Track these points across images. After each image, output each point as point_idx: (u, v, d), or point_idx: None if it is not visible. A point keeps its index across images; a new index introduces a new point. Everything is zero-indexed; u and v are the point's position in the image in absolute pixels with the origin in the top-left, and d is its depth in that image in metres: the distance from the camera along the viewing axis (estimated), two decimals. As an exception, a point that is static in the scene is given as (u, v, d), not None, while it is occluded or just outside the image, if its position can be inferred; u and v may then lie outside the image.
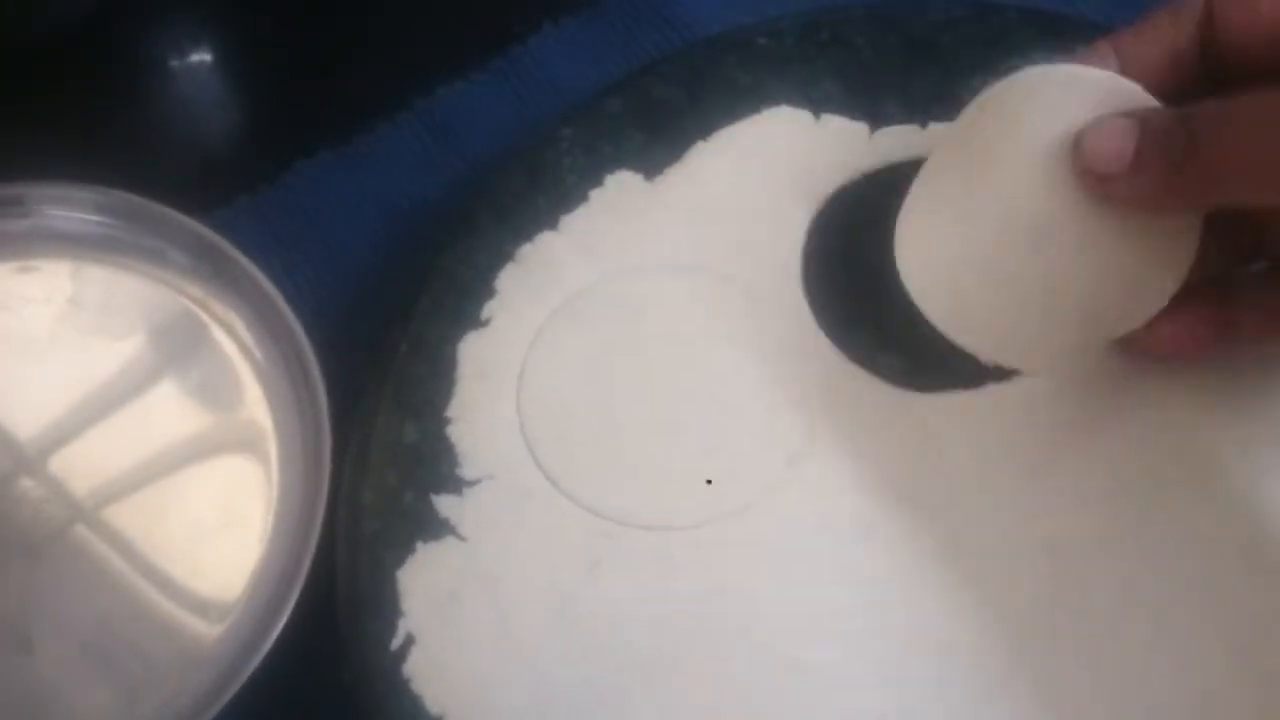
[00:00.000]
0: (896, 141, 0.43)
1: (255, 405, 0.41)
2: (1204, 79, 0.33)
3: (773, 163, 0.43)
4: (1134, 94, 0.32)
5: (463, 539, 0.37)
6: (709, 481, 0.37)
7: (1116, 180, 0.31)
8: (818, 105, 0.43)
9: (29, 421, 0.41)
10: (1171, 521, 0.36)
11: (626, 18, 0.49)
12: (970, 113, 0.35)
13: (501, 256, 0.41)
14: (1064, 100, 0.33)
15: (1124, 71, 0.33)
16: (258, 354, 0.42)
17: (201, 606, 0.38)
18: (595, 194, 0.42)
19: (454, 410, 0.39)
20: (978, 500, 0.37)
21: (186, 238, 0.42)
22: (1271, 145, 0.28)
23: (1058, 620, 0.35)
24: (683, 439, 0.38)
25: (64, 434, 0.41)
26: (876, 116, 0.43)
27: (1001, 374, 0.39)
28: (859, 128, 0.43)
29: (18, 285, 0.42)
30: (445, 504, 0.37)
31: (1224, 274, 0.35)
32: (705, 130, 0.43)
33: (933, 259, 0.36)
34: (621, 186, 0.42)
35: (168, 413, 0.41)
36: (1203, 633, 0.34)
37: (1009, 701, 0.34)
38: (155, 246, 0.42)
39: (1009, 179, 0.34)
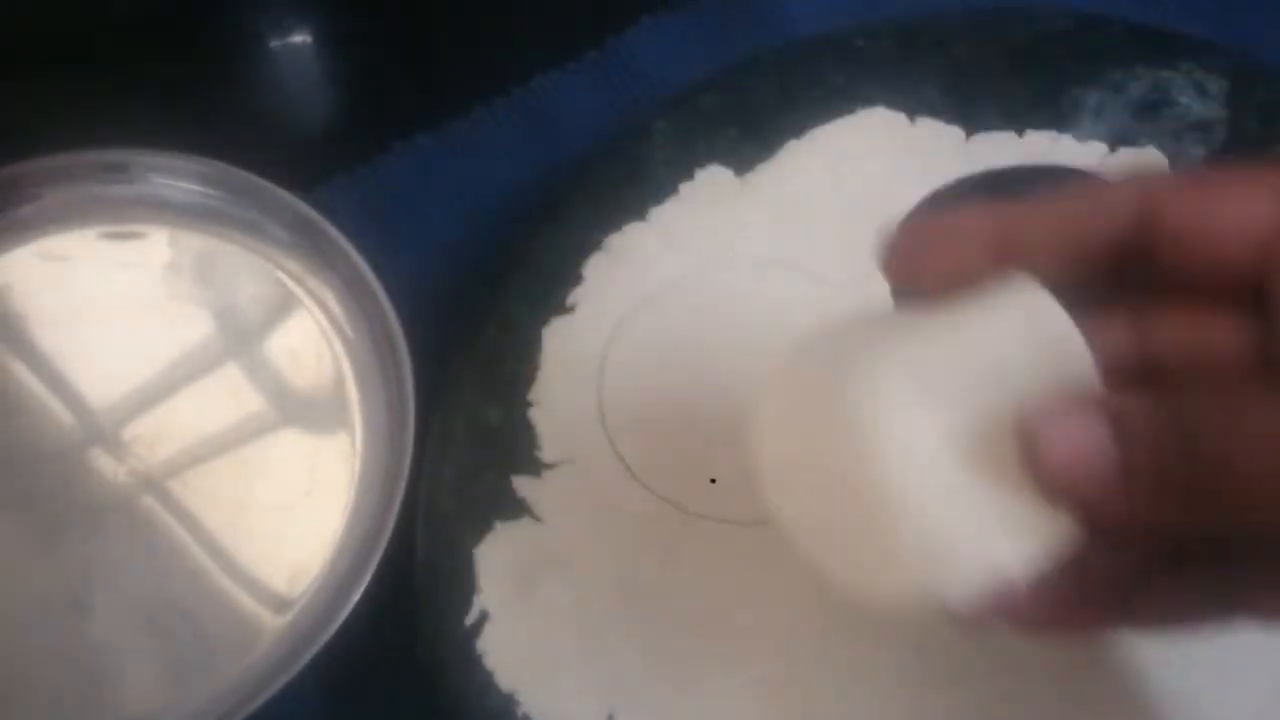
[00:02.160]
0: (993, 148, 0.43)
1: (342, 380, 0.42)
2: (1109, 278, 0.26)
3: (866, 164, 0.42)
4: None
5: (539, 520, 0.37)
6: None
7: (1087, 500, 0.23)
8: (913, 109, 0.43)
9: (119, 384, 0.42)
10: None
11: (724, 15, 0.49)
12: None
13: (590, 245, 0.41)
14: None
15: (1007, 253, 0.25)
16: (348, 330, 0.42)
17: (283, 574, 0.39)
18: (685, 187, 0.42)
19: (536, 394, 0.39)
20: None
21: (284, 212, 0.43)
22: None
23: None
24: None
25: (152, 399, 0.42)
26: (973, 122, 0.43)
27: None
28: (954, 132, 0.43)
29: (117, 249, 0.44)
30: (524, 485, 0.38)
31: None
32: (798, 129, 0.43)
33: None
34: (712, 181, 0.42)
35: (256, 383, 0.42)
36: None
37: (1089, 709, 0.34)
38: (253, 219, 0.43)
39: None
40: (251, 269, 0.43)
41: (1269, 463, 0.21)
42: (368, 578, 0.37)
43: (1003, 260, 0.25)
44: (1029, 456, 0.24)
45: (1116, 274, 0.26)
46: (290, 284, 0.43)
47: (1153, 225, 0.25)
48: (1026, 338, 0.25)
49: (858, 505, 0.26)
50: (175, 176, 0.44)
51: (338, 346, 0.42)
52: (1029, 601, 0.25)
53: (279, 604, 0.38)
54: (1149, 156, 0.42)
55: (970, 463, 0.25)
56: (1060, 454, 0.23)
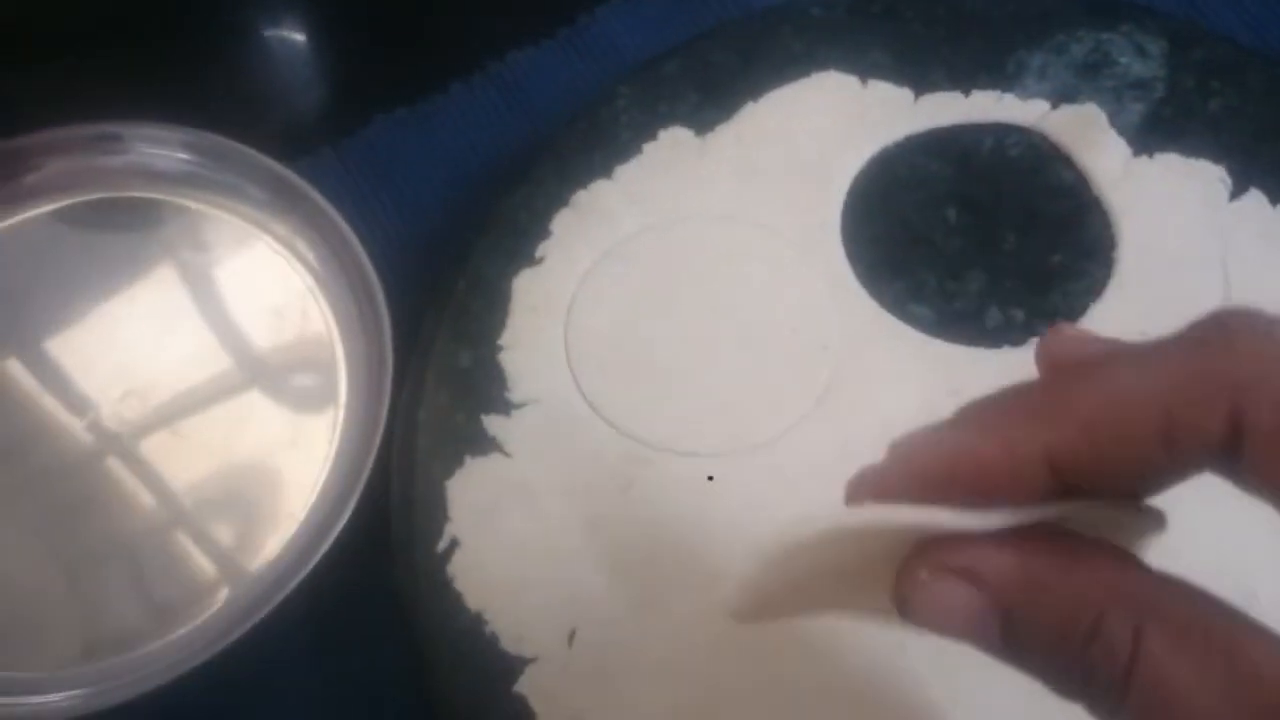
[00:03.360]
0: (940, 107, 0.45)
1: (325, 334, 0.44)
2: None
3: (819, 123, 0.45)
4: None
5: (508, 455, 0.39)
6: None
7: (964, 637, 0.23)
8: (865, 72, 0.45)
9: (115, 343, 0.44)
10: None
11: (691, -8, 0.52)
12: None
13: (558, 201, 0.44)
14: None
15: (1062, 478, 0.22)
16: (330, 286, 0.44)
17: (271, 509, 0.41)
18: (648, 147, 0.45)
19: (506, 339, 0.41)
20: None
21: (267, 177, 0.45)
22: None
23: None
24: (718, 373, 0.40)
25: (149, 355, 0.44)
26: (921, 83, 0.45)
27: (1022, 338, 0.40)
28: (903, 93, 0.45)
29: (113, 215, 0.46)
30: (493, 423, 0.40)
31: None
32: (756, 92, 0.46)
33: None
34: (674, 141, 0.45)
35: (244, 338, 0.44)
36: None
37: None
38: (237, 184, 0.45)
39: None
40: (237, 231, 0.45)
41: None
42: (348, 513, 0.39)
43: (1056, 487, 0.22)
44: (900, 608, 0.23)
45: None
46: (274, 244, 0.45)
47: None
48: None
49: None
50: (164, 146, 0.46)
51: (321, 302, 0.44)
52: None
53: (265, 542, 0.40)
54: (1088, 112, 0.44)
55: None
56: (928, 613, 0.23)
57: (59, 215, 0.46)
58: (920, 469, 0.23)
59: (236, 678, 0.38)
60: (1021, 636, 0.22)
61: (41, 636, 0.39)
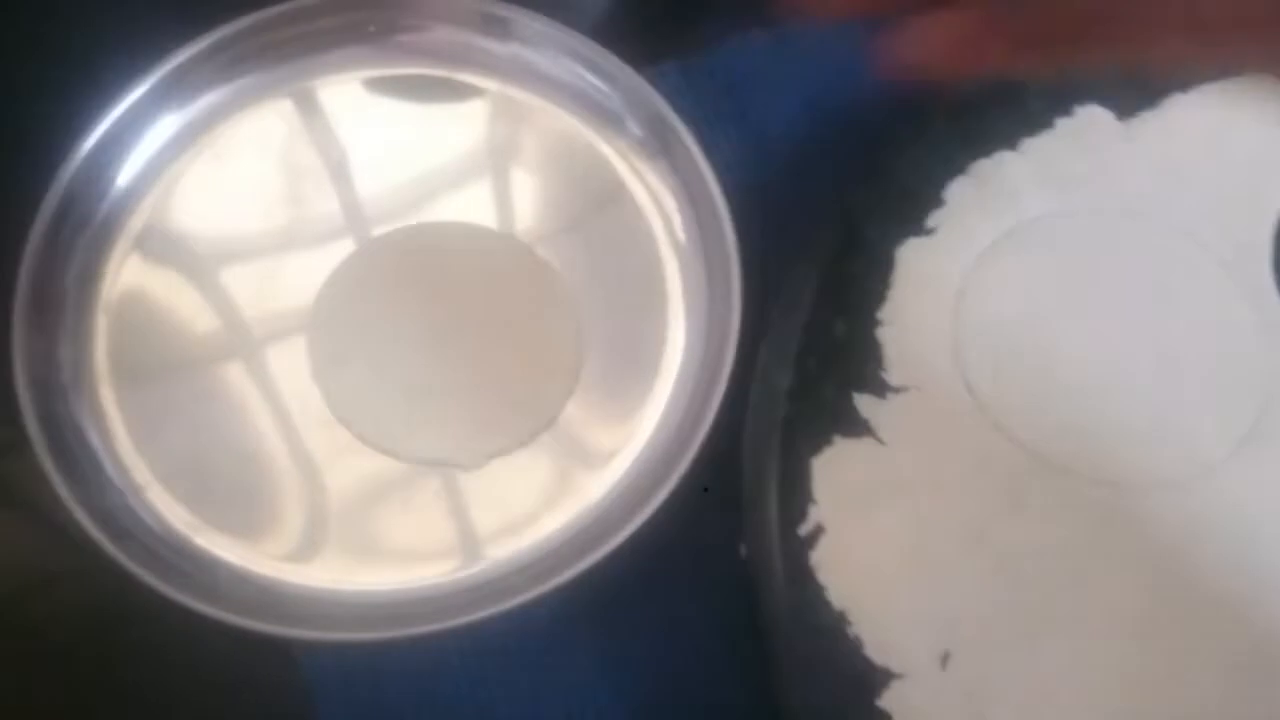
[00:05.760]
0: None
1: (669, 276, 0.41)
2: None
3: (1256, 132, 0.40)
4: None
5: (882, 443, 0.36)
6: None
7: None
8: (1312, 79, 0.40)
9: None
10: None
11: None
12: None
13: (954, 168, 0.40)
14: None
15: None
16: (680, 232, 0.41)
17: (593, 451, 0.38)
18: (1062, 122, 0.40)
19: (886, 313, 0.38)
20: None
21: (643, 108, 0.41)
22: None
23: None
24: (1126, 393, 0.36)
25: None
26: (1382, 102, 0.40)
27: None
28: (1358, 106, 0.40)
29: (471, 100, 0.43)
30: (866, 404, 0.37)
31: None
32: (1185, 82, 0.41)
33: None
34: (1092, 120, 0.40)
35: (580, 264, 0.41)
36: None
37: None
38: (616, 112, 0.42)
39: None
40: (596, 156, 0.42)
41: None
42: (687, 461, 0.36)
43: None
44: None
45: None
46: (632, 178, 0.42)
47: None
48: None
49: None
50: (550, 46, 0.42)
51: (666, 245, 0.41)
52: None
53: (586, 479, 0.38)
54: None
55: None
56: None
57: (420, 82, 0.43)
58: None
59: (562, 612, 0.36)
60: None
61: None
